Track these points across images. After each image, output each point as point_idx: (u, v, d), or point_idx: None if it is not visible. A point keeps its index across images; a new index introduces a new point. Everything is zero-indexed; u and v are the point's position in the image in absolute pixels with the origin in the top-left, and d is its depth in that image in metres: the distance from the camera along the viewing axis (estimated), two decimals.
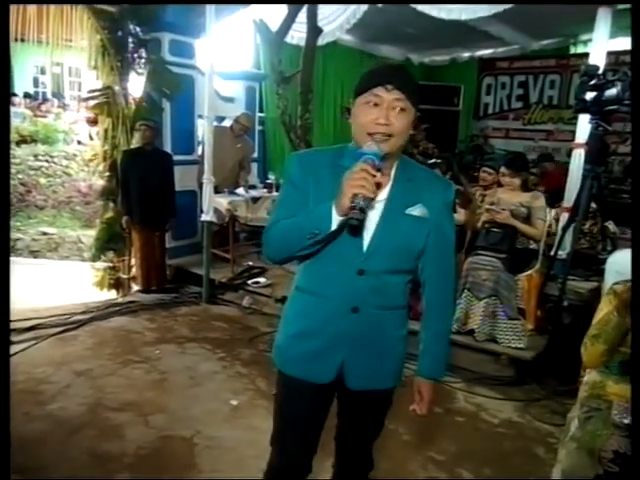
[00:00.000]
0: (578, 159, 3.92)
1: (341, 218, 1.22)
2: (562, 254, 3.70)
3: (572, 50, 7.33)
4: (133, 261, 5.20)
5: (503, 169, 3.66)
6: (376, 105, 1.29)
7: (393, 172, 1.39)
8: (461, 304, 3.61)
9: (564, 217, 3.84)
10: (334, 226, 1.24)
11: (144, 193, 4.73)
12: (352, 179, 1.18)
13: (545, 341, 3.52)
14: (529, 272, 3.61)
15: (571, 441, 1.90)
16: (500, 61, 7.92)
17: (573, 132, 4.14)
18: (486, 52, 7.76)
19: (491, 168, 4.09)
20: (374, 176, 1.19)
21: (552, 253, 3.76)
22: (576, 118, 4.09)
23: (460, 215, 3.97)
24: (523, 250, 3.66)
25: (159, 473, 2.40)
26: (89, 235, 7.98)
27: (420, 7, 4.59)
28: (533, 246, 3.68)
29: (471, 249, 3.78)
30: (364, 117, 1.31)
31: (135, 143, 4.91)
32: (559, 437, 2.09)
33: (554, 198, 4.28)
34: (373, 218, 1.34)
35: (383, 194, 1.35)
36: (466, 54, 7.99)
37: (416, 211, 1.37)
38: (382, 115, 1.28)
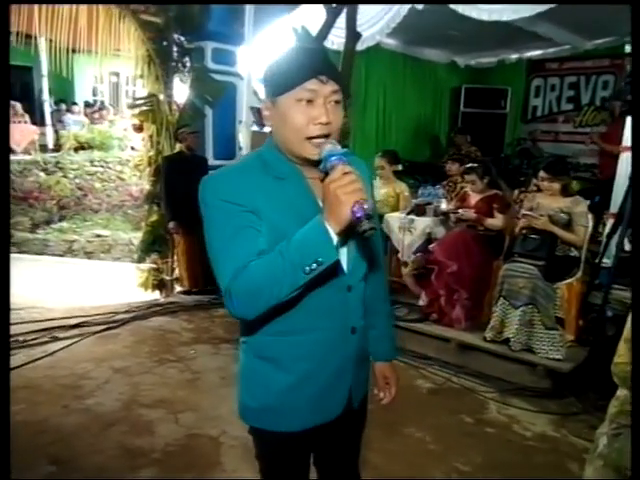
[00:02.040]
0: (625, 163, 3.74)
1: (337, 237, 1.04)
2: (607, 262, 3.54)
3: (628, 49, 6.99)
4: (176, 263, 5.36)
5: (542, 173, 3.54)
6: (310, 102, 1.11)
7: None
8: (496, 312, 3.53)
9: (610, 223, 3.66)
10: (334, 244, 1.05)
11: (186, 197, 4.85)
12: (343, 186, 1.01)
13: (586, 353, 3.37)
14: (570, 280, 3.46)
15: (598, 458, 1.81)
16: (550, 62, 7.65)
17: None
18: (535, 53, 7.50)
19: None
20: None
21: (596, 261, 3.60)
22: None
23: (498, 220, 3.88)
24: (563, 257, 3.51)
25: (184, 470, 2.47)
26: (139, 238, 8.32)
27: (460, 9, 4.49)
28: (574, 253, 3.53)
29: (509, 255, 3.68)
30: (299, 119, 1.11)
31: (178, 149, 5.08)
32: None
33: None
34: None
35: None
36: (514, 55, 7.72)
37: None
38: (322, 113, 1.10)
